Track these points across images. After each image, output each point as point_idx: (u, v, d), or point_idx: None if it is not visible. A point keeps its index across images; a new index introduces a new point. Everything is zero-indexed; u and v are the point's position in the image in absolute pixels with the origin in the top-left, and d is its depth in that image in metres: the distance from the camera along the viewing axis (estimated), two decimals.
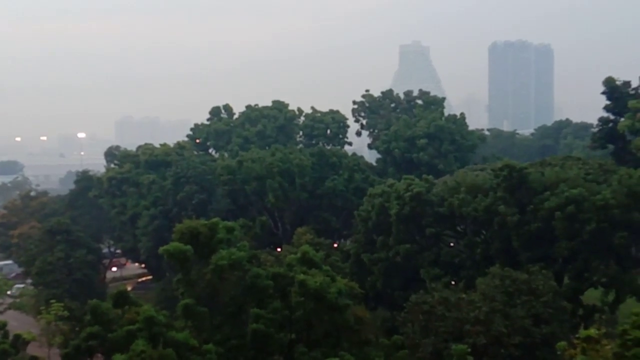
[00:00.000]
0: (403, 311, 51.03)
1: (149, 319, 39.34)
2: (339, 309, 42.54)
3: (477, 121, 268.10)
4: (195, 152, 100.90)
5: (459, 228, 62.18)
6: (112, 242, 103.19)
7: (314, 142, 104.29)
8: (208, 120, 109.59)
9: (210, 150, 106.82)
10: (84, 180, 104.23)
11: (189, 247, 43.78)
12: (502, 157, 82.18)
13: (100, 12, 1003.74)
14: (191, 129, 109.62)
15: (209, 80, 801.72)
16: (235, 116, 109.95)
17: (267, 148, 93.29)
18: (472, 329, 45.20)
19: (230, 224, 49.51)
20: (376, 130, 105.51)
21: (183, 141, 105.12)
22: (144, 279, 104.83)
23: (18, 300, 75.95)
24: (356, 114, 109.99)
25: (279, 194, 79.38)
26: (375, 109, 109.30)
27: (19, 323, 64.52)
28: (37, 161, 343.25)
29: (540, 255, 53.88)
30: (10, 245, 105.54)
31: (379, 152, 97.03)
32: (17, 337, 46.11)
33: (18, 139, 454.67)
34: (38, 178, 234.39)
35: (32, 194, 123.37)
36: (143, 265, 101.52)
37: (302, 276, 42.89)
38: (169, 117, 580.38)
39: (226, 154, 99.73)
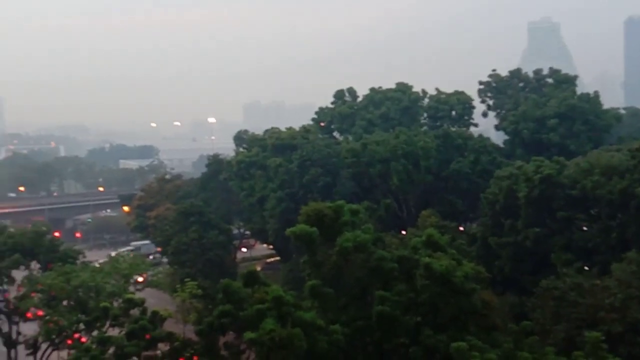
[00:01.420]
0: (533, 296, 49.77)
1: (277, 299, 40.36)
2: (466, 293, 41.96)
3: (612, 99, 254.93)
4: (320, 136, 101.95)
5: (592, 211, 59.62)
6: (241, 223, 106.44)
7: (438, 124, 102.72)
8: (332, 103, 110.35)
9: (334, 134, 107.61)
10: (215, 163, 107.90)
11: (314, 229, 44.48)
12: None
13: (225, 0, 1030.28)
14: (316, 113, 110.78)
15: (333, 64, 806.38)
16: (359, 99, 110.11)
17: (391, 130, 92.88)
18: (607, 316, 43.48)
19: (354, 206, 49.87)
20: (503, 111, 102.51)
21: (308, 125, 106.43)
22: (272, 259, 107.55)
23: (154, 278, 79.81)
24: (482, 95, 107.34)
25: (403, 176, 79.01)
26: (503, 89, 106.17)
27: (156, 300, 67.82)
28: (171, 145, 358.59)
29: None
30: (147, 226, 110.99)
31: (506, 133, 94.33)
32: (155, 313, 48.30)
33: (153, 124, 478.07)
34: (172, 162, 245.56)
35: (167, 177, 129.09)
36: (271, 246, 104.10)
37: (427, 259, 42.61)
38: (294, 101, 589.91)
39: (350, 137, 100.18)
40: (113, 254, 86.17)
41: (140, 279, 69.49)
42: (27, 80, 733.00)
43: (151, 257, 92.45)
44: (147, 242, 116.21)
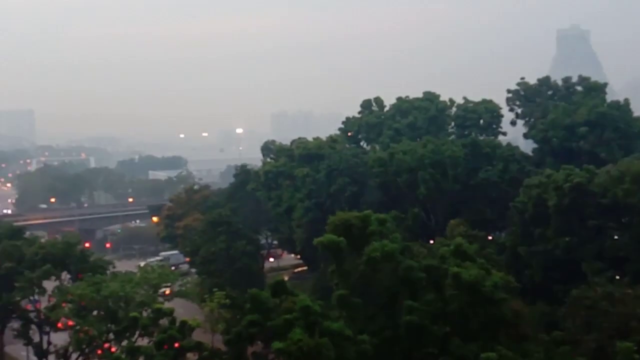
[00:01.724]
0: (563, 306, 49.20)
1: (305, 309, 40.41)
2: (495, 303, 41.65)
3: None
4: (347, 145, 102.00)
5: (623, 220, 58.94)
6: (269, 233, 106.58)
7: (466, 132, 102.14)
8: (359, 113, 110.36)
9: (361, 143, 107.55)
10: (243, 174, 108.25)
11: (342, 238, 44.53)
12: None
13: (251, 10, 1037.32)
14: (343, 122, 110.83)
15: (360, 73, 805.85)
16: (386, 108, 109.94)
17: (418, 140, 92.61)
18: (639, 326, 42.78)
19: (382, 216, 49.81)
20: (532, 119, 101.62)
21: (335, 134, 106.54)
22: (299, 269, 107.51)
23: (183, 288, 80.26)
24: (511, 103, 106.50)
25: (430, 185, 78.68)
26: (531, 97, 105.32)
27: (184, 310, 68.13)
28: (199, 156, 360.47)
29: None
30: (176, 236, 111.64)
31: (535, 141, 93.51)
32: (184, 323, 48.50)
33: (182, 135, 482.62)
34: (200, 172, 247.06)
35: (196, 187, 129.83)
36: (298, 256, 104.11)
37: (456, 269, 42.41)
38: (321, 111, 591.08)
39: (377, 147, 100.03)
40: (142, 264, 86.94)
41: (167, 292, 69.89)
42: (57, 92, 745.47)
43: (173, 267, 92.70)
44: (175, 252, 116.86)
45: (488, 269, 44.55)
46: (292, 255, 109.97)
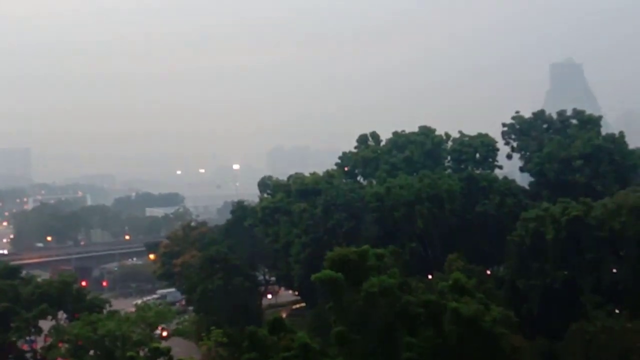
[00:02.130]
0: (563, 340, 48.92)
1: (303, 346, 40.16)
2: (495, 338, 41.43)
3: (637, 138, 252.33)
4: (344, 180, 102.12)
5: (621, 252, 58.90)
6: (266, 269, 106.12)
7: (462, 166, 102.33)
8: (355, 148, 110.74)
9: (358, 178, 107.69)
10: (240, 210, 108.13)
11: (339, 274, 44.36)
12: None
13: (247, 47, 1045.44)
14: (339, 157, 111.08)
15: (356, 111, 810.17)
16: (382, 143, 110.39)
17: (414, 174, 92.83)
18: None
19: (379, 250, 49.73)
20: (528, 153, 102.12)
21: (332, 169, 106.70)
22: (297, 305, 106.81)
23: (180, 326, 79.72)
24: (506, 137, 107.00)
25: (428, 219, 78.70)
26: (527, 131, 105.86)
27: (182, 348, 67.58)
28: (196, 192, 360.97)
29: None
30: (173, 274, 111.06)
31: (531, 175, 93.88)
32: None
33: (179, 172, 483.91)
34: (197, 209, 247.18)
35: (193, 224, 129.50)
36: (296, 292, 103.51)
37: (454, 304, 42.24)
38: (318, 147, 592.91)
39: (374, 181, 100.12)
40: (139, 302, 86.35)
41: (164, 334, 69.39)
42: (54, 131, 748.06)
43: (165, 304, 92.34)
44: (173, 289, 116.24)
45: (487, 303, 44.42)
46: (290, 291, 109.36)
